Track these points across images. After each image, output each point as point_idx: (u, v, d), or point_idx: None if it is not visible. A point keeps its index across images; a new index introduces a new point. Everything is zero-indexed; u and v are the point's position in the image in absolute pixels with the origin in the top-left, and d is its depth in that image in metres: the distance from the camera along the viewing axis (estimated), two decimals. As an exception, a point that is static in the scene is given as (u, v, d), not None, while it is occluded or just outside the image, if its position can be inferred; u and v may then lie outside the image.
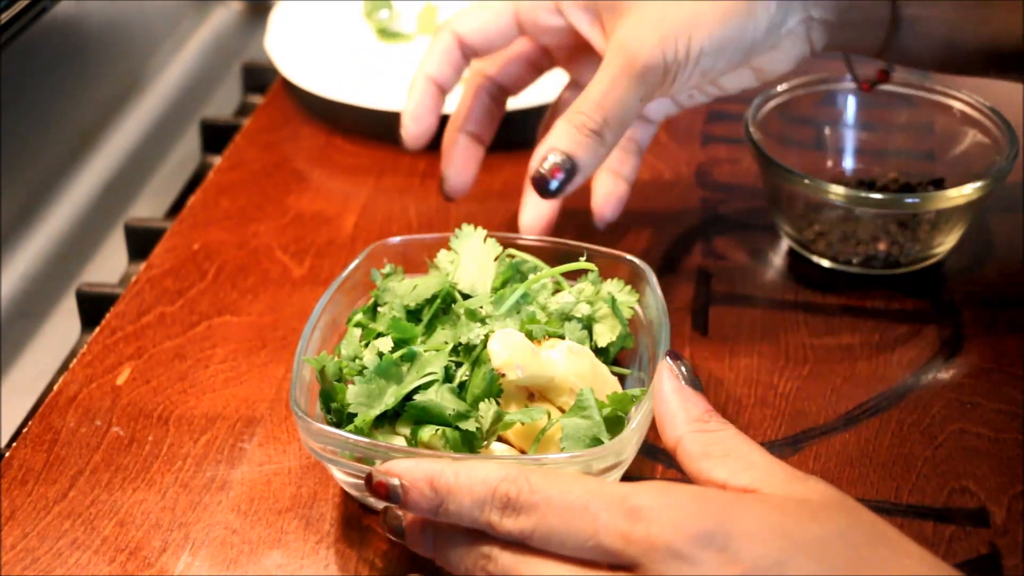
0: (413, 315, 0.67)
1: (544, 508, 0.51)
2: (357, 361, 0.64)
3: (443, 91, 0.77)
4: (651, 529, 0.49)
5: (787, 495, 0.52)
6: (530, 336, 0.63)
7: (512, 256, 0.70)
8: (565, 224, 0.86)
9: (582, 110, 0.67)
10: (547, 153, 0.67)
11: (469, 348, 0.63)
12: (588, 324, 0.67)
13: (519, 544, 0.52)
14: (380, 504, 0.62)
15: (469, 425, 0.60)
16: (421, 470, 0.54)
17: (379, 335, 0.65)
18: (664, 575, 0.49)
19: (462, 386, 0.62)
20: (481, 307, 0.66)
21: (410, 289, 0.68)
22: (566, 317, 0.67)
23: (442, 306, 0.67)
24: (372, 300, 0.68)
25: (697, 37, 0.67)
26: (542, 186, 0.67)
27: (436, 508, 0.54)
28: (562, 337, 0.65)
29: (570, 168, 0.67)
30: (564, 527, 0.51)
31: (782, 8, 0.69)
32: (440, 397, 0.61)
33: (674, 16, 0.67)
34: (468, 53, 0.76)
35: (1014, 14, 0.69)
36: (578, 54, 0.77)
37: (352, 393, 0.61)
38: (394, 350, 0.63)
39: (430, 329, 0.66)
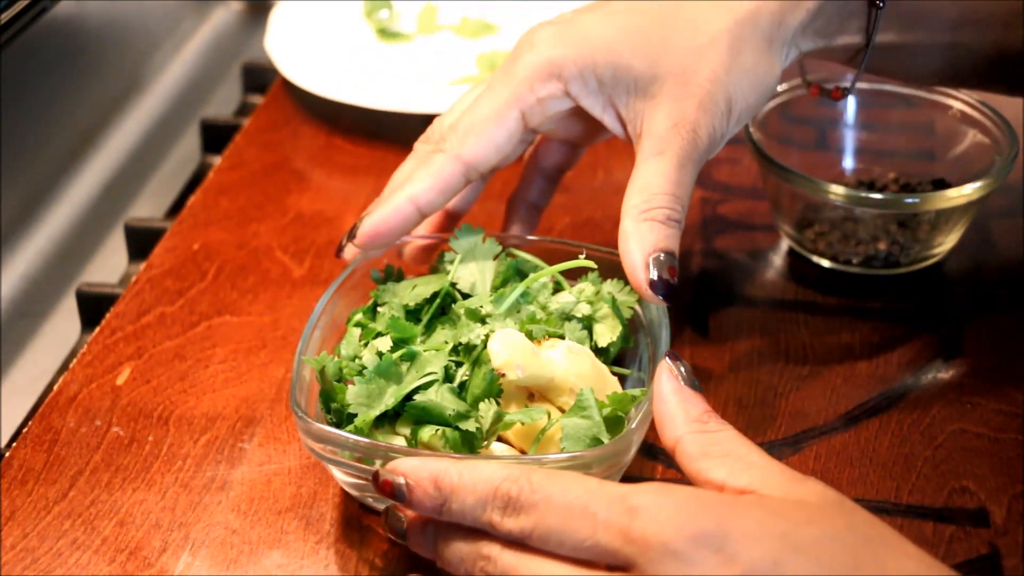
0: (413, 315, 0.67)
1: (543, 507, 0.51)
2: (357, 361, 0.64)
3: (422, 216, 0.68)
4: (649, 529, 0.49)
5: (785, 496, 0.52)
6: (530, 336, 0.63)
7: (512, 256, 0.70)
8: (565, 224, 0.86)
9: (659, 204, 0.63)
10: (649, 259, 0.62)
11: (469, 348, 0.63)
12: (588, 324, 0.67)
13: (519, 544, 0.52)
14: (380, 504, 0.62)
15: (469, 425, 0.60)
16: (426, 469, 0.54)
17: (378, 335, 0.65)
18: (661, 575, 0.49)
19: (462, 386, 0.62)
20: (481, 307, 0.66)
21: (410, 289, 0.68)
22: (566, 317, 0.67)
23: (442, 306, 0.67)
24: (372, 300, 0.68)
25: (738, 107, 0.66)
26: (667, 290, 0.62)
27: (439, 507, 0.54)
28: (562, 337, 0.65)
29: (675, 261, 0.63)
30: (563, 526, 0.51)
31: (787, 51, 0.69)
32: (440, 397, 0.61)
33: (717, 94, 0.65)
34: (472, 176, 0.68)
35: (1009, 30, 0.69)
36: (584, 136, 0.73)
37: (352, 393, 0.61)
38: (393, 350, 0.63)
39: (430, 329, 0.66)
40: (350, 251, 0.68)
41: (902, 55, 0.71)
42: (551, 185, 0.76)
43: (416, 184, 0.67)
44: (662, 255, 0.62)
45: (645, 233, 0.63)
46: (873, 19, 0.68)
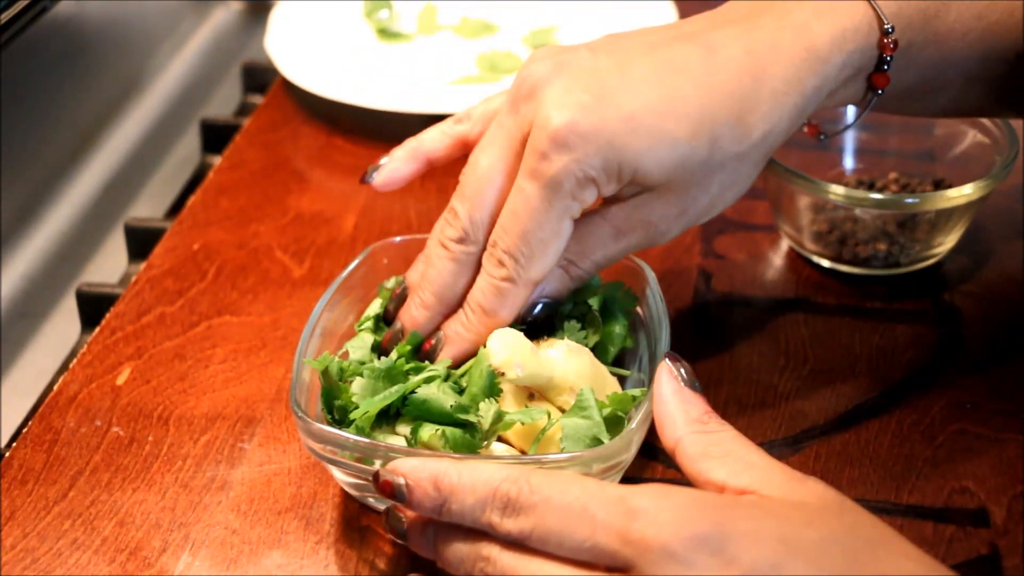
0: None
1: (543, 508, 0.51)
2: (365, 366, 0.64)
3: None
4: (648, 530, 0.49)
5: (785, 497, 0.52)
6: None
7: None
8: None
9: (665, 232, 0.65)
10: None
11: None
12: (587, 324, 0.67)
13: (519, 545, 0.52)
14: (380, 504, 0.62)
15: (470, 417, 0.60)
16: (426, 470, 0.54)
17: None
18: None
19: (461, 389, 0.62)
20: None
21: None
22: (565, 316, 0.67)
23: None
24: (381, 307, 0.68)
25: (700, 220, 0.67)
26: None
27: (439, 507, 0.54)
28: (561, 337, 0.65)
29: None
30: (562, 527, 0.51)
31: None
32: (441, 391, 0.61)
33: (707, 208, 0.66)
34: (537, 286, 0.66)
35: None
36: None
37: (358, 385, 0.61)
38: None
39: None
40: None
41: (916, 96, 0.69)
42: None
43: (493, 319, 0.64)
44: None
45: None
46: (870, 100, 0.67)
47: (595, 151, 0.61)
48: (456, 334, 0.65)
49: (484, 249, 0.65)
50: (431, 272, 0.66)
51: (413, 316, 0.66)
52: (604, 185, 0.62)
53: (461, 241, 0.65)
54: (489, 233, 0.65)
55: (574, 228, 0.64)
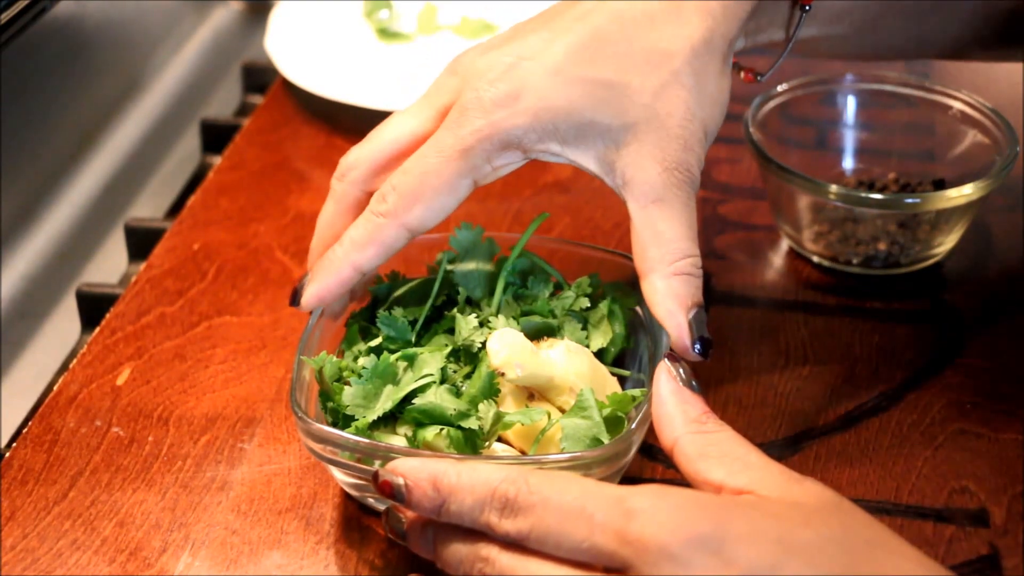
0: (410, 315, 0.67)
1: (541, 509, 0.51)
2: (357, 361, 0.64)
3: (364, 275, 0.66)
4: (645, 531, 0.49)
5: (782, 497, 0.52)
6: (530, 336, 0.63)
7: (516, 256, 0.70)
8: (566, 224, 0.86)
9: (683, 254, 0.61)
10: (690, 320, 0.60)
11: (468, 349, 0.63)
12: (587, 324, 0.67)
13: (518, 545, 0.52)
14: (380, 504, 0.62)
15: (471, 423, 0.60)
16: (426, 470, 0.54)
17: (375, 336, 0.65)
18: None
19: (459, 388, 0.62)
20: (480, 307, 0.66)
21: (408, 289, 0.68)
22: (564, 316, 0.67)
23: (438, 306, 0.67)
24: (370, 300, 0.68)
25: (711, 134, 0.65)
26: (708, 347, 0.60)
27: (439, 508, 0.54)
28: (561, 337, 0.65)
29: (705, 313, 0.61)
30: (560, 528, 0.51)
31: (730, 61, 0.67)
32: (439, 398, 0.61)
33: (695, 130, 0.63)
34: (416, 236, 0.65)
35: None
36: None
37: (349, 395, 0.61)
38: (391, 351, 0.63)
39: (428, 330, 0.67)
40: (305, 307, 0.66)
41: (824, 43, 0.71)
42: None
43: (360, 253, 0.64)
44: (699, 310, 0.61)
45: (679, 289, 0.61)
46: (798, 20, 0.67)
47: (524, 120, 0.62)
48: (320, 267, 0.64)
49: (367, 191, 0.65)
50: (320, 216, 0.67)
51: (311, 274, 0.65)
52: (532, 148, 0.63)
53: (340, 177, 0.66)
54: (376, 176, 0.65)
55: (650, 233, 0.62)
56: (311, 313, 0.66)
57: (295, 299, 0.66)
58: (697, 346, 0.60)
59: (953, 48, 0.77)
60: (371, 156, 0.66)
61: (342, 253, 0.64)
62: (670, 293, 0.60)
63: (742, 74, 0.71)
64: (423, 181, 0.63)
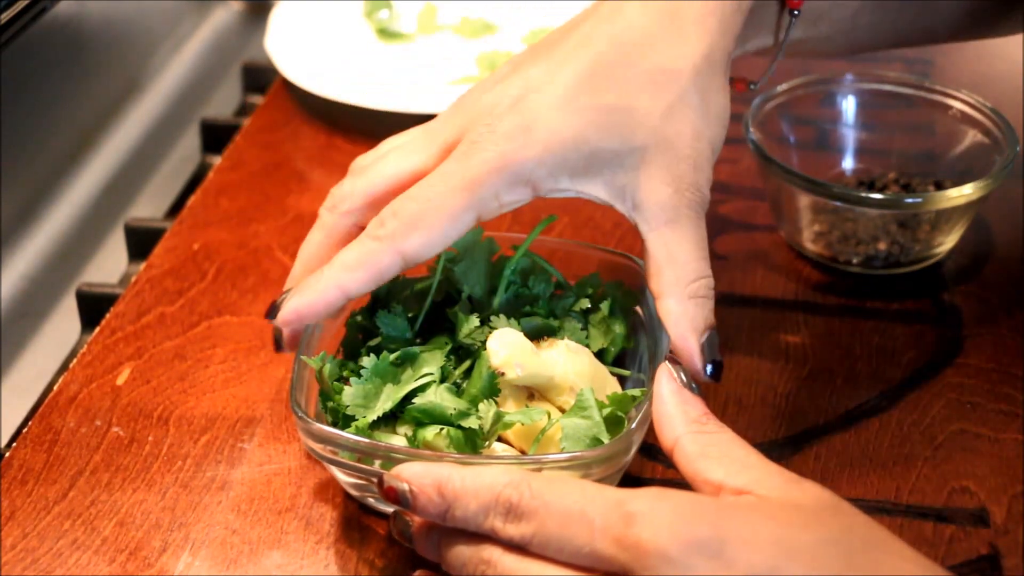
0: (410, 314, 0.67)
1: (543, 514, 0.51)
2: (357, 360, 0.64)
3: (349, 300, 0.63)
4: (644, 535, 0.49)
5: (782, 499, 0.52)
6: (531, 336, 0.63)
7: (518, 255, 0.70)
8: (565, 224, 0.86)
9: (697, 276, 0.61)
10: (703, 344, 0.60)
11: (468, 349, 0.63)
12: (587, 324, 0.67)
13: (520, 549, 0.52)
14: (381, 504, 0.62)
15: (471, 423, 0.60)
16: (430, 475, 0.54)
17: (375, 335, 0.65)
18: None
19: (459, 387, 0.62)
20: (480, 307, 0.66)
21: (407, 288, 0.68)
22: (565, 316, 0.67)
23: (439, 304, 0.67)
24: (370, 300, 0.68)
25: (718, 149, 0.64)
26: (720, 370, 0.60)
27: (443, 513, 0.54)
28: (561, 337, 0.65)
29: (718, 336, 0.61)
30: (561, 532, 0.51)
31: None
32: (439, 398, 0.61)
33: (704, 148, 0.63)
34: (410, 266, 0.62)
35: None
36: None
37: (349, 395, 0.61)
38: (391, 350, 0.63)
39: (428, 329, 0.67)
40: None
41: (808, 44, 0.72)
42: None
43: (349, 275, 0.60)
44: (711, 333, 0.61)
45: (694, 313, 0.60)
46: (787, 25, 0.67)
47: (536, 153, 0.60)
48: (305, 283, 0.61)
49: (358, 224, 0.64)
50: (303, 244, 0.65)
51: (296, 290, 0.62)
52: (541, 184, 0.61)
53: (331, 208, 0.64)
54: (370, 209, 0.63)
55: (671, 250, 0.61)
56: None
57: (272, 312, 0.62)
58: (709, 368, 0.60)
59: (929, 38, 0.79)
60: (367, 189, 0.64)
61: (330, 273, 0.61)
62: (685, 317, 0.60)
63: (734, 84, 0.70)
64: (427, 209, 0.60)
